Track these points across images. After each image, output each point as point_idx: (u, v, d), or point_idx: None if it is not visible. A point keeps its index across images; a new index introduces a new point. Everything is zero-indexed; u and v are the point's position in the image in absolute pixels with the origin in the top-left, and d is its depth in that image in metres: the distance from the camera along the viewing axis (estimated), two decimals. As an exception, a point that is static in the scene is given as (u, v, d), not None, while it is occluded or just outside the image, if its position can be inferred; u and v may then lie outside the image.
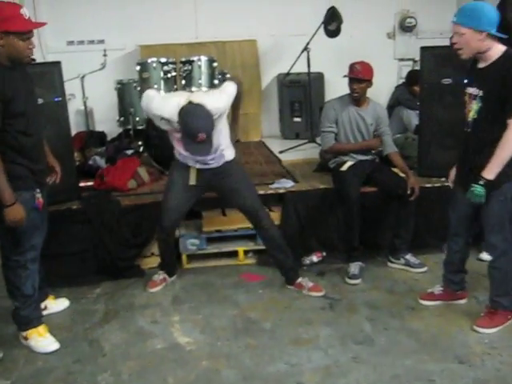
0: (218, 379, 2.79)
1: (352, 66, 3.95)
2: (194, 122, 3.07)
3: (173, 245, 3.82)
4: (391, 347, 3.03)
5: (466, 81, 2.97)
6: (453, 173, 3.21)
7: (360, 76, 3.88)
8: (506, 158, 2.77)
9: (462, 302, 3.42)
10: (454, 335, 3.11)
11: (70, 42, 5.73)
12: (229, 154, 3.48)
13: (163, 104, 3.27)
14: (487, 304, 3.19)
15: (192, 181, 3.45)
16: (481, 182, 2.80)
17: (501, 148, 2.75)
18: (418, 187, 3.83)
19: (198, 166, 3.43)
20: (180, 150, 3.39)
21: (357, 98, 3.96)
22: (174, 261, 3.90)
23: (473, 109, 2.89)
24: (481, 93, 2.83)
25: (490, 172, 2.79)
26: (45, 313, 3.33)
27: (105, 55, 5.18)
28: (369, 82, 3.94)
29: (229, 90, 3.42)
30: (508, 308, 3.11)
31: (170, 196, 3.56)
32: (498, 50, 2.79)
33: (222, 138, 3.38)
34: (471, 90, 2.91)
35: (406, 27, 6.34)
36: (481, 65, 2.87)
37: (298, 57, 5.26)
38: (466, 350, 2.97)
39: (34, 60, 3.19)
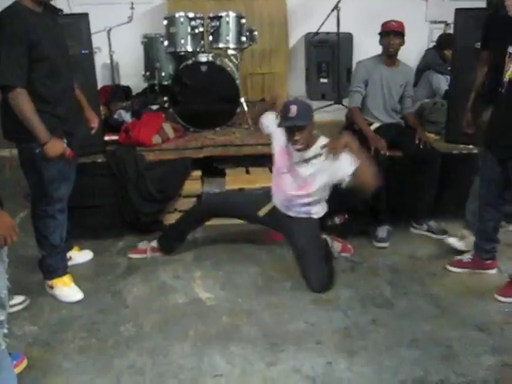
0: (238, 335, 2.83)
1: (387, 22, 3.97)
2: (290, 100, 3.22)
3: (192, 228, 3.71)
4: (410, 311, 3.04)
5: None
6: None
7: (397, 29, 3.85)
8: None
9: (492, 271, 3.40)
10: (475, 303, 3.11)
11: (96, -6, 5.64)
12: (314, 212, 3.39)
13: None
14: (510, 274, 3.17)
15: (262, 212, 3.43)
16: None
17: None
18: (427, 140, 3.85)
19: (278, 204, 3.41)
20: (275, 191, 3.43)
21: (392, 53, 3.93)
22: (176, 242, 3.69)
23: (510, 69, 2.82)
24: None
25: None
26: (69, 263, 3.39)
27: (132, 8, 5.10)
28: (403, 38, 3.93)
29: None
30: None
31: (239, 195, 3.71)
32: None
33: (317, 203, 3.36)
34: (511, 49, 2.83)
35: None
36: None
37: (328, 16, 5.14)
38: (485, 318, 2.98)
39: (61, 10, 3.16)
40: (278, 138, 3.34)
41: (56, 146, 2.84)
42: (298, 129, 3.09)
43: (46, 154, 2.81)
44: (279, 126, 3.22)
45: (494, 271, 3.41)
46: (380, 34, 4.00)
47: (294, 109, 3.04)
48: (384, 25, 3.98)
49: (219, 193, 3.90)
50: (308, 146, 3.20)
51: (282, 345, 2.74)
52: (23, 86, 2.71)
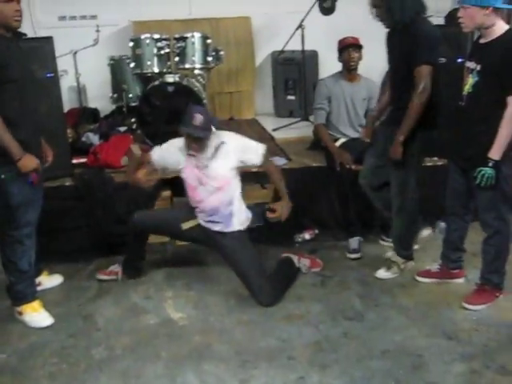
0: (210, 353, 2.83)
1: (344, 39, 4.10)
2: (192, 107, 3.27)
3: (142, 246, 3.63)
4: (381, 323, 3.09)
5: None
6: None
7: (355, 42, 3.97)
8: (509, 134, 2.81)
9: (459, 281, 3.45)
10: (443, 312, 3.17)
11: (62, 18, 5.65)
12: (237, 223, 3.39)
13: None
14: (477, 282, 3.24)
15: (185, 225, 3.42)
16: (490, 164, 2.83)
17: (503, 127, 2.79)
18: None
19: (202, 222, 3.41)
20: (191, 201, 3.43)
21: (353, 67, 4.03)
22: (138, 263, 3.65)
23: (468, 83, 2.92)
24: (478, 67, 2.86)
25: (497, 152, 2.83)
26: (39, 288, 3.35)
27: (97, 31, 5.12)
28: (361, 52, 4.07)
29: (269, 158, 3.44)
30: (498, 285, 3.17)
31: (165, 212, 3.73)
32: (501, 26, 2.81)
33: (235, 198, 3.37)
34: (469, 64, 2.93)
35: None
36: (483, 40, 2.89)
37: (292, 34, 5.23)
38: (454, 326, 3.03)
39: (25, 34, 3.18)
40: (177, 157, 3.35)
41: (29, 161, 2.86)
42: (198, 139, 3.17)
43: (21, 169, 2.84)
44: (183, 128, 3.20)
45: (461, 280, 3.47)
46: (339, 50, 4.11)
47: (198, 119, 3.12)
48: (341, 41, 4.09)
49: (148, 211, 3.86)
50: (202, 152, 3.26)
51: (255, 362, 2.75)
52: None
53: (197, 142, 3.18)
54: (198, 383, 2.61)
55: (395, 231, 3.55)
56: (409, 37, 3.08)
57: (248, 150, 3.32)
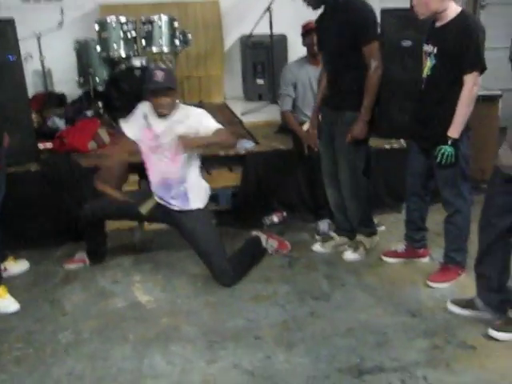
0: (178, 335, 2.85)
1: (307, 23, 4.07)
2: (155, 66, 3.29)
3: (100, 233, 3.59)
4: (347, 302, 3.14)
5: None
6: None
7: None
8: (467, 113, 2.89)
9: (424, 260, 3.53)
10: (408, 291, 3.23)
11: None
12: (195, 200, 3.33)
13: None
14: (440, 260, 3.31)
15: (144, 209, 3.34)
16: (449, 142, 2.90)
17: (461, 105, 2.87)
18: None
19: (160, 200, 3.35)
20: (151, 178, 3.37)
21: (316, 51, 4.00)
22: (98, 251, 3.62)
23: (427, 66, 2.99)
24: (435, 50, 2.93)
25: (455, 131, 2.90)
26: (4, 274, 3.32)
27: (62, 13, 5.04)
28: None
29: (220, 130, 3.22)
30: (460, 263, 3.24)
31: (128, 192, 3.58)
32: (454, 9, 2.89)
33: (190, 175, 3.31)
34: (426, 48, 3.00)
35: (370, -11, 6.33)
36: (438, 23, 2.95)
37: (260, 18, 5.21)
38: (418, 304, 3.10)
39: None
40: (135, 126, 3.33)
41: None
42: (164, 93, 3.13)
43: None
44: (146, 88, 3.17)
45: (426, 259, 3.54)
46: (302, 35, 4.12)
47: (160, 74, 3.12)
48: (304, 26, 4.11)
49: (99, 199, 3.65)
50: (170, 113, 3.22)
51: (222, 342, 2.77)
52: None
53: (166, 96, 3.13)
54: (165, 364, 2.62)
55: (352, 213, 3.57)
56: (349, 17, 3.12)
57: (206, 126, 3.20)
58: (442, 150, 2.91)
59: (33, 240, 3.81)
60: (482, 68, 2.85)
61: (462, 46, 2.81)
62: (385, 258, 3.57)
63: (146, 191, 3.46)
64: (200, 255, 3.36)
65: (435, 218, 3.52)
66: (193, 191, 3.32)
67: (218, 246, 3.35)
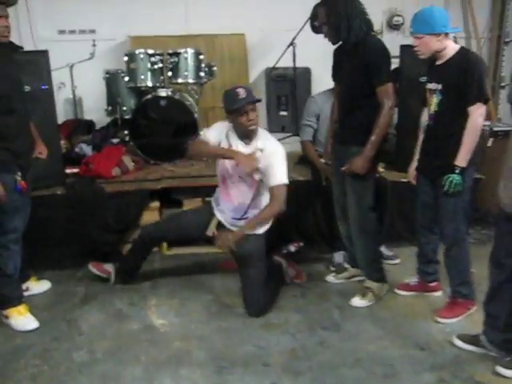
0: (188, 359, 2.92)
1: None
2: (232, 87, 3.25)
3: (142, 257, 3.72)
4: (357, 333, 3.17)
5: (424, 78, 3.21)
6: (412, 168, 3.37)
7: None
8: (473, 143, 2.98)
9: (437, 294, 3.54)
10: (419, 324, 3.25)
11: (61, 32, 5.79)
12: (260, 228, 3.40)
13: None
14: (449, 295, 3.33)
15: (209, 231, 3.45)
16: (457, 171, 2.98)
17: (467, 135, 2.96)
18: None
19: (226, 223, 3.45)
20: (225, 202, 3.46)
21: None
22: (132, 273, 3.75)
23: (433, 102, 3.10)
24: (440, 86, 3.05)
25: (462, 160, 2.99)
26: (26, 294, 3.46)
27: (94, 45, 5.26)
28: None
29: (279, 196, 3.29)
30: (468, 296, 3.26)
31: (185, 214, 3.71)
32: (452, 47, 3.04)
33: (262, 201, 3.38)
34: (431, 86, 3.13)
35: (393, 25, 6.45)
36: (438, 62, 3.09)
37: (284, 52, 5.36)
38: (427, 337, 3.11)
39: (21, 48, 3.33)
40: (222, 139, 3.37)
41: None
42: (253, 107, 3.19)
43: None
44: (232, 107, 3.18)
45: (439, 293, 3.55)
46: None
47: (241, 91, 3.17)
48: None
49: (158, 221, 3.92)
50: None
51: (230, 368, 2.83)
52: None
53: (255, 111, 3.20)
54: (174, 387, 2.70)
55: (361, 254, 3.55)
56: (363, 56, 3.16)
57: (272, 171, 3.27)
58: (450, 178, 2.99)
59: (56, 261, 3.95)
60: (485, 99, 2.97)
61: (464, 79, 2.93)
62: (397, 291, 3.59)
63: (207, 210, 3.53)
64: (243, 280, 3.40)
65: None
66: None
67: (262, 276, 3.38)
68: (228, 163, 3.37)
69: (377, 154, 3.28)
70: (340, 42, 3.34)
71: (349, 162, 3.27)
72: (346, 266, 3.83)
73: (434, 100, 3.08)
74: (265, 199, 3.39)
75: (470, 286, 3.26)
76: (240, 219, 3.42)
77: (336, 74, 3.48)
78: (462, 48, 3.07)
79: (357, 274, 3.74)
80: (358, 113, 3.28)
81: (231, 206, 3.43)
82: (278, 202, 3.29)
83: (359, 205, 3.39)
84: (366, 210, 3.41)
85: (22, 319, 3.21)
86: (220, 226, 3.47)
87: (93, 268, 3.75)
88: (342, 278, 3.77)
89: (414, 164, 3.36)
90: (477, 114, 2.94)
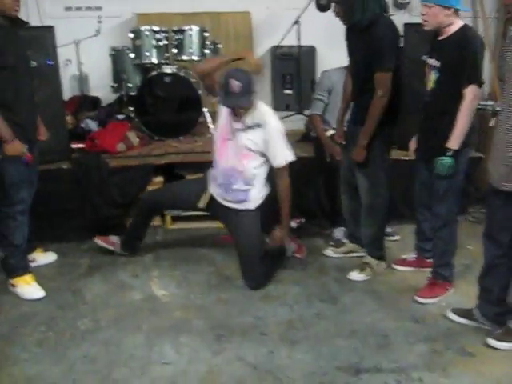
0: (188, 327, 3.02)
1: None
2: (230, 71, 3.18)
3: (143, 228, 3.80)
4: (353, 306, 3.25)
5: (426, 57, 3.15)
6: (413, 143, 3.38)
7: None
8: (466, 126, 2.95)
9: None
10: (414, 298, 3.30)
11: (68, 8, 5.82)
12: (251, 203, 3.44)
13: None
14: (428, 275, 3.37)
15: (201, 203, 3.52)
16: (449, 154, 2.97)
17: (460, 117, 2.93)
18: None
19: (215, 192, 3.49)
20: (218, 163, 3.46)
21: None
22: (134, 244, 3.83)
23: (431, 79, 3.07)
24: (438, 64, 3.01)
25: (455, 142, 2.97)
26: (33, 264, 3.56)
27: (99, 22, 5.28)
28: None
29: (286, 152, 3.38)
30: (447, 279, 3.31)
31: (177, 186, 3.79)
32: (457, 24, 2.97)
33: (256, 180, 3.41)
34: (430, 61, 3.08)
35: (399, 4, 6.42)
36: (440, 37, 3.03)
37: (289, 30, 5.38)
38: (422, 311, 3.19)
39: (27, 23, 3.37)
40: (223, 109, 3.41)
41: (16, 147, 3.03)
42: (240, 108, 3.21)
43: (6, 152, 3.00)
44: (220, 103, 3.24)
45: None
46: None
47: (235, 85, 3.09)
48: None
49: (158, 188, 3.99)
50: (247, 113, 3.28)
51: (229, 336, 2.93)
52: None
53: (243, 109, 3.22)
54: (174, 353, 2.79)
55: (366, 231, 3.60)
56: (370, 41, 3.15)
57: (274, 149, 3.33)
58: (443, 161, 2.97)
59: (62, 234, 4.05)
60: (479, 81, 2.94)
61: (460, 59, 2.89)
62: (395, 266, 3.65)
63: (204, 182, 3.56)
64: (239, 254, 3.48)
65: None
66: (253, 195, 3.43)
67: (259, 251, 3.46)
68: (226, 131, 3.39)
69: (384, 139, 3.33)
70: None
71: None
72: (345, 241, 3.89)
73: (432, 77, 3.05)
74: (259, 178, 3.43)
75: (450, 269, 3.30)
76: (227, 193, 3.44)
77: (349, 52, 3.46)
78: (463, 26, 2.98)
79: (354, 250, 3.81)
80: (368, 94, 3.25)
81: (222, 168, 3.41)
82: (286, 178, 3.40)
83: (370, 185, 3.44)
84: (377, 190, 3.45)
85: (29, 288, 3.31)
86: (212, 199, 3.52)
87: (98, 240, 3.83)
88: (341, 253, 3.84)
89: (415, 139, 3.37)
90: (470, 97, 2.90)
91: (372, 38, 3.15)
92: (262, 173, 3.44)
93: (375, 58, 3.15)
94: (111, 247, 3.81)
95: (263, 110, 3.37)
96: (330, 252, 3.87)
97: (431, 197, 3.26)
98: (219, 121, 3.48)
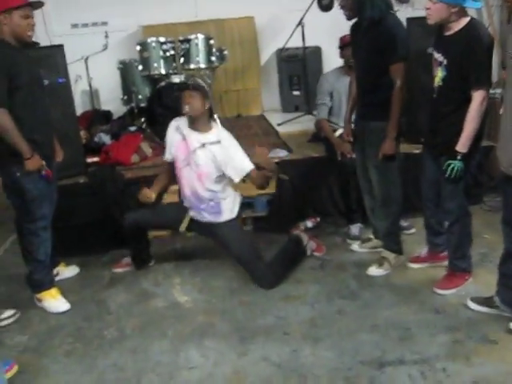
0: (212, 331, 3.07)
1: (344, 36, 4.22)
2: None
3: (142, 241, 3.82)
4: (373, 301, 3.28)
5: (431, 49, 3.12)
6: None
7: None
8: (475, 128, 2.90)
9: (447, 263, 3.57)
10: (434, 290, 3.32)
11: (74, 25, 5.95)
12: (226, 213, 3.51)
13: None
14: (446, 266, 3.39)
15: (182, 227, 3.62)
16: (458, 157, 2.92)
17: (469, 121, 2.88)
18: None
19: (192, 214, 3.57)
20: (182, 191, 3.57)
21: (352, 63, 4.16)
22: (143, 256, 3.87)
23: (438, 76, 3.03)
24: (445, 61, 2.96)
25: (464, 145, 2.92)
26: (57, 278, 3.64)
27: (106, 36, 5.39)
28: None
29: (246, 162, 3.43)
30: (466, 270, 3.32)
31: (163, 209, 3.86)
32: (464, 20, 2.89)
33: (222, 191, 3.48)
34: (437, 56, 3.03)
35: (402, -1, 6.46)
36: (446, 32, 2.96)
37: (293, 32, 5.44)
38: (442, 301, 3.21)
39: (37, 44, 3.46)
40: (174, 137, 3.53)
41: (35, 162, 3.11)
42: (190, 92, 3.32)
43: (26, 167, 3.08)
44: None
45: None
46: (340, 47, 4.30)
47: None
48: (342, 39, 4.28)
49: (140, 211, 3.87)
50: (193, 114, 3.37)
51: (253, 337, 2.97)
52: (5, 108, 2.97)
53: (192, 96, 3.32)
54: (200, 357, 2.84)
55: (381, 224, 3.64)
56: (380, 34, 3.17)
57: (231, 166, 3.39)
58: (452, 165, 2.93)
59: (82, 247, 4.11)
60: (489, 84, 2.89)
61: (467, 60, 2.84)
62: (410, 265, 3.63)
63: (183, 205, 3.64)
64: (239, 262, 3.56)
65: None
66: (224, 205, 3.51)
67: (253, 252, 3.53)
68: (177, 148, 3.49)
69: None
70: (355, 20, 3.36)
71: (374, 140, 3.35)
72: (371, 236, 3.93)
73: (439, 74, 3.00)
74: (225, 188, 3.51)
75: (468, 260, 3.31)
76: (200, 213, 3.53)
77: (354, 51, 3.49)
78: (471, 21, 2.88)
79: (379, 246, 3.82)
80: (376, 90, 3.29)
81: (188, 195, 3.53)
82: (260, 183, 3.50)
83: (383, 179, 3.46)
84: (390, 183, 3.49)
85: (55, 302, 3.39)
86: (192, 221, 3.59)
87: (116, 269, 3.89)
88: (367, 248, 3.87)
89: None
90: (479, 99, 2.83)
91: (381, 33, 3.17)
92: (225, 183, 3.51)
93: (388, 50, 3.17)
94: (129, 268, 3.87)
95: (219, 127, 3.50)
96: (355, 247, 3.92)
97: (439, 194, 3.25)
98: (168, 150, 3.60)
